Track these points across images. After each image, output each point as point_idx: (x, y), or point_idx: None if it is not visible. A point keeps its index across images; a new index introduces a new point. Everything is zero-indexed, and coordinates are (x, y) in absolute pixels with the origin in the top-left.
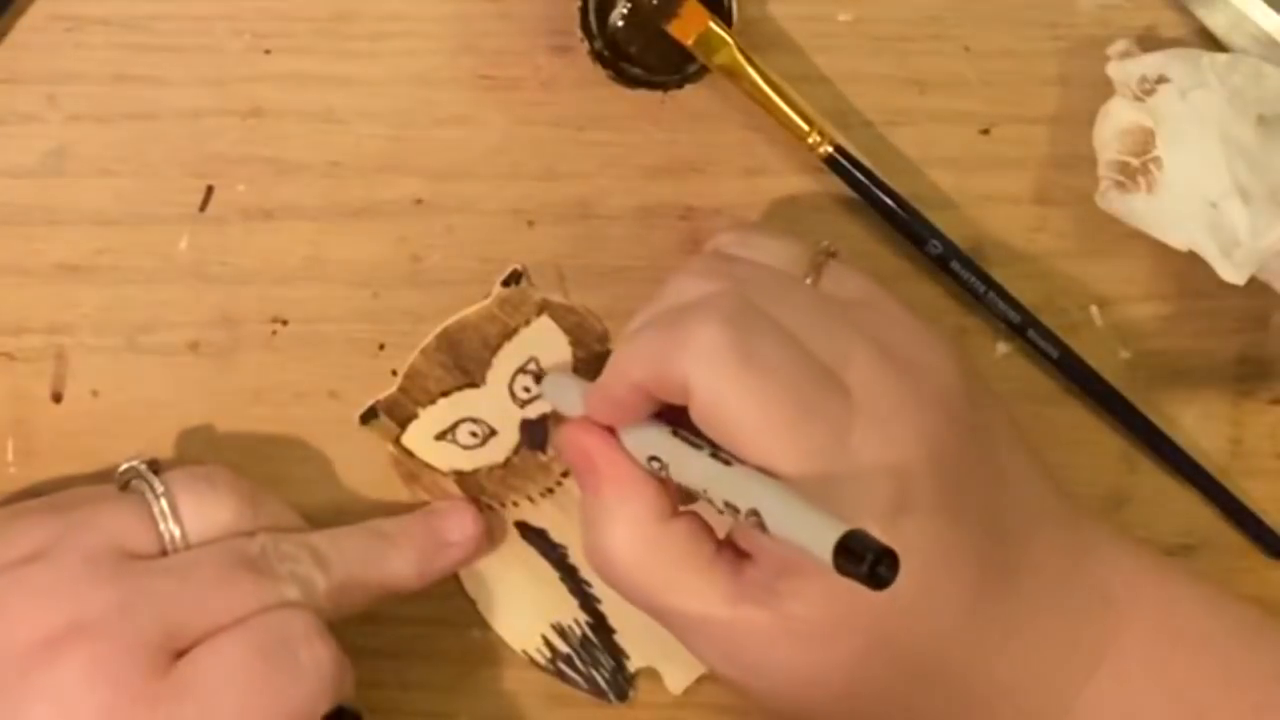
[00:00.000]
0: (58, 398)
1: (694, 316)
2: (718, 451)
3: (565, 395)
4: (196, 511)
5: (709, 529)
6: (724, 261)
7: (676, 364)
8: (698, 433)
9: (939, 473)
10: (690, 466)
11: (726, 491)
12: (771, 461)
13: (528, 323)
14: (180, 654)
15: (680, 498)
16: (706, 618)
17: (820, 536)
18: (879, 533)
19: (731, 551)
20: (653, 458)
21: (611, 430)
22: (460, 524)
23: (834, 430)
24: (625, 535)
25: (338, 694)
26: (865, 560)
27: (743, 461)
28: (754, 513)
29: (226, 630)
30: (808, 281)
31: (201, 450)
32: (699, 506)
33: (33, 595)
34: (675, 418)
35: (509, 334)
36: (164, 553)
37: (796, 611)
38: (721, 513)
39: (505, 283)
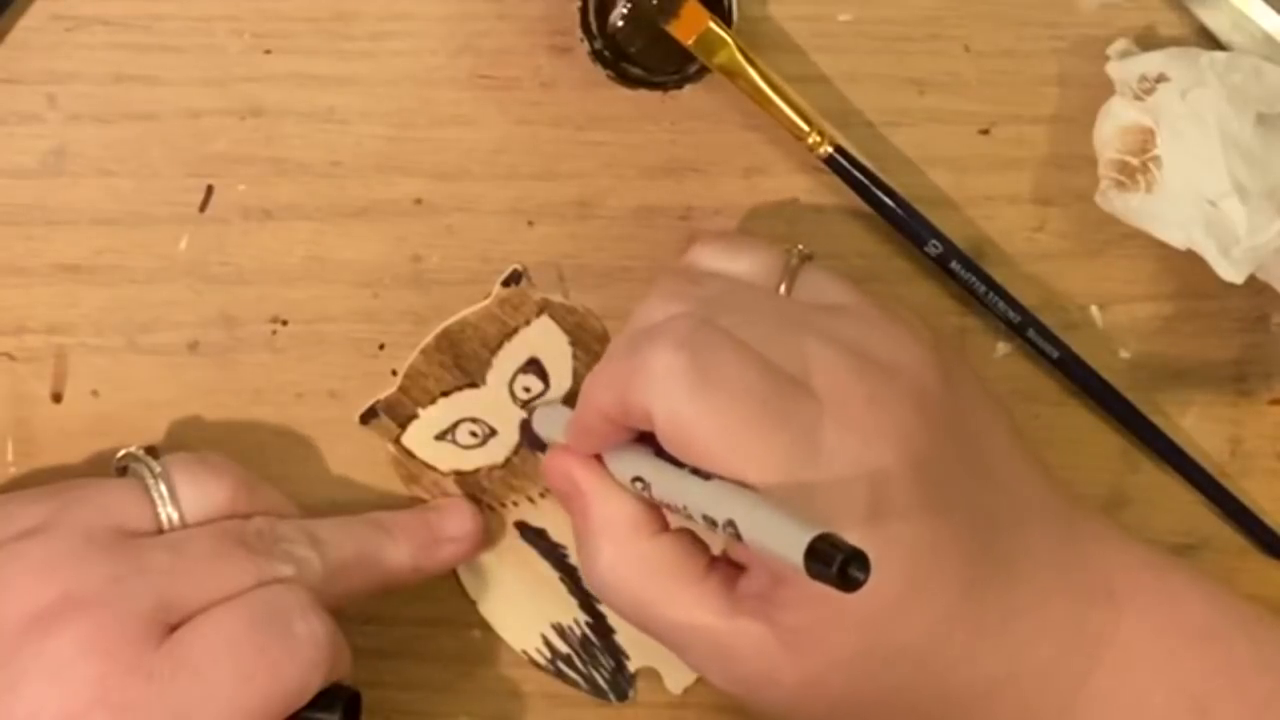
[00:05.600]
0: (58, 398)
1: (649, 343)
2: (697, 469)
3: (553, 426)
4: (194, 495)
5: (701, 544)
6: (688, 281)
7: (636, 393)
8: None
9: (916, 469)
10: (670, 484)
11: (705, 506)
12: (744, 476)
13: (528, 323)
14: (175, 628)
15: (670, 519)
16: (702, 631)
17: (792, 542)
18: (860, 533)
19: (725, 565)
20: (636, 479)
21: (597, 457)
22: (459, 520)
23: (803, 437)
24: (615, 553)
25: (333, 670)
26: (834, 563)
27: (721, 477)
28: (730, 523)
29: (221, 604)
30: (781, 289)
31: (201, 449)
32: (690, 527)
33: (28, 569)
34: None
35: (509, 334)
36: (161, 534)
37: (789, 621)
38: (704, 529)
39: (505, 283)
